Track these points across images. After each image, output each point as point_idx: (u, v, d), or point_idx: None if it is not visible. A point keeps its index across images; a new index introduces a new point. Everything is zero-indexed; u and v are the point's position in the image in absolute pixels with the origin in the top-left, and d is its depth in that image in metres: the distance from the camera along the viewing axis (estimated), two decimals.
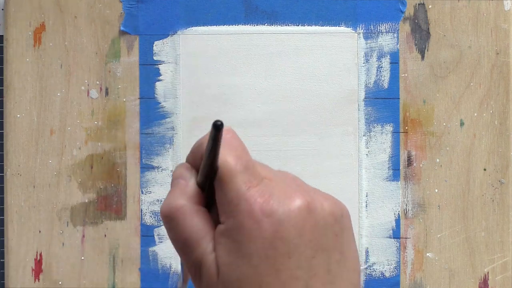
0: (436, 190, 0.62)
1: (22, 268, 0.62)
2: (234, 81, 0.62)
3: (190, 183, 0.38)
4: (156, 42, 0.63)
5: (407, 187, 0.62)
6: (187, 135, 0.63)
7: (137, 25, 0.63)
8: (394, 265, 0.62)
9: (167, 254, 0.62)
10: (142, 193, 0.63)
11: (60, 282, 0.62)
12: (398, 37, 0.62)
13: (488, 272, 0.62)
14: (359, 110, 0.62)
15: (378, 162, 0.62)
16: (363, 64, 0.62)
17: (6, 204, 0.62)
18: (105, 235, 0.62)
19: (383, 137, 0.62)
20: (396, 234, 0.62)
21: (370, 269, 0.62)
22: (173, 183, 0.39)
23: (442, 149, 0.62)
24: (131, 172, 0.62)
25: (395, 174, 0.62)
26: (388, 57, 0.62)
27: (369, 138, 0.62)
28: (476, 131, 0.62)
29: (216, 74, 0.62)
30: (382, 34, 0.62)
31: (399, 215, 0.62)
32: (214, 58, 0.63)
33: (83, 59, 0.63)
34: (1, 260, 0.64)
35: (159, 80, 0.63)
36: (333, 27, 0.62)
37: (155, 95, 0.63)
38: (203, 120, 0.62)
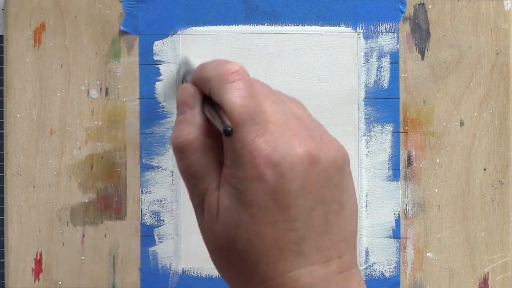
0: (436, 190, 0.62)
1: (22, 268, 0.62)
2: None
3: (196, 113, 0.38)
4: (156, 42, 0.63)
5: (407, 187, 0.62)
6: None
7: (137, 25, 0.63)
8: (394, 265, 0.62)
9: (167, 254, 0.62)
10: (142, 193, 0.63)
11: (60, 282, 0.62)
12: (398, 37, 0.62)
13: (488, 272, 0.62)
14: (359, 110, 0.62)
15: (378, 162, 0.62)
16: (363, 64, 0.62)
17: (6, 204, 0.62)
18: (105, 235, 0.62)
19: (383, 137, 0.62)
20: (396, 234, 0.62)
21: (370, 269, 0.62)
22: (179, 110, 0.39)
23: (442, 149, 0.62)
24: (131, 172, 0.62)
25: (395, 174, 0.62)
26: (388, 57, 0.62)
27: (369, 138, 0.62)
28: (476, 131, 0.62)
29: None
30: (382, 34, 0.62)
31: (399, 215, 0.62)
32: (214, 58, 0.62)
33: (83, 59, 0.63)
34: (1, 260, 0.64)
35: (159, 80, 0.63)
36: (333, 27, 0.62)
37: (155, 95, 0.63)
38: None
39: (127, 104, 0.63)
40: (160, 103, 0.63)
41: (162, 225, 0.62)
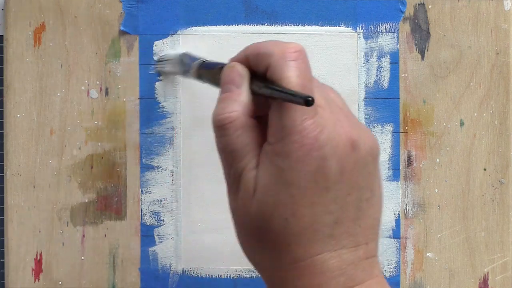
0: (436, 190, 0.62)
1: (22, 268, 0.62)
2: None
3: (243, 91, 0.38)
4: (156, 42, 0.63)
5: (407, 187, 0.62)
6: (187, 135, 0.63)
7: (137, 25, 0.63)
8: (394, 265, 0.62)
9: (167, 254, 0.62)
10: (142, 193, 0.63)
11: (60, 282, 0.62)
12: (398, 37, 0.62)
13: (488, 272, 0.62)
14: (359, 110, 0.62)
15: None
16: (363, 64, 0.62)
17: (6, 204, 0.62)
18: (105, 235, 0.62)
19: (383, 137, 0.62)
20: (396, 234, 0.62)
21: None
22: (224, 88, 0.39)
23: (442, 149, 0.62)
24: (131, 172, 0.62)
25: (395, 174, 0.62)
26: (388, 57, 0.62)
27: None
28: (476, 131, 0.62)
29: None
30: (382, 34, 0.62)
31: (399, 215, 0.62)
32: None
33: (83, 59, 0.63)
34: (1, 260, 0.64)
35: (159, 80, 0.63)
36: (333, 27, 0.62)
37: (155, 95, 0.63)
38: (203, 120, 0.62)
39: (127, 104, 0.63)
40: (160, 103, 0.63)
41: (162, 225, 0.62)
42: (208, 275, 0.62)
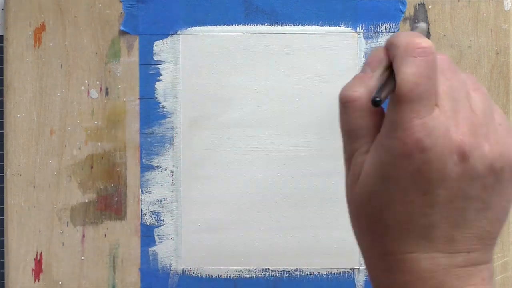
0: None
1: (22, 268, 0.62)
2: (234, 81, 0.62)
3: (374, 76, 0.38)
4: (156, 42, 0.63)
5: None
6: (187, 135, 0.63)
7: (137, 25, 0.63)
8: None
9: (167, 254, 0.62)
10: (142, 193, 0.63)
11: (60, 282, 0.62)
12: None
13: None
14: None
15: None
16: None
17: (6, 204, 0.62)
18: (105, 235, 0.62)
19: None
20: None
21: None
22: (362, 68, 0.39)
23: None
24: (131, 172, 0.62)
25: None
26: None
27: None
28: None
29: (216, 74, 0.62)
30: (382, 34, 0.62)
31: None
32: (214, 58, 0.63)
33: (83, 59, 0.63)
34: (1, 260, 0.64)
35: (159, 80, 0.63)
36: (333, 27, 0.62)
37: (155, 95, 0.63)
38: (203, 120, 0.62)
39: (127, 104, 0.63)
40: (160, 103, 0.63)
41: (162, 225, 0.62)
42: (208, 275, 0.62)
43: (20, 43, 0.62)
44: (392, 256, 0.36)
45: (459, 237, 0.36)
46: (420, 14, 0.62)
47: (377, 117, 0.37)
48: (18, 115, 0.62)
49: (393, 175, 0.35)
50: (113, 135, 0.63)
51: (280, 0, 0.62)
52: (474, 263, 0.36)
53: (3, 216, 0.63)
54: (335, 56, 0.62)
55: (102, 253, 0.62)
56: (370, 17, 0.62)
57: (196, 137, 0.63)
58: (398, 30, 0.62)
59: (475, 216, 0.36)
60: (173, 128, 0.62)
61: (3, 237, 0.63)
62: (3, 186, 0.63)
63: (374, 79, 0.38)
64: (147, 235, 0.62)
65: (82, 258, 0.62)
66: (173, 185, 0.62)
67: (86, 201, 0.62)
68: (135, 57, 0.62)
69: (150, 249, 0.62)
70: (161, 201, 0.62)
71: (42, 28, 0.62)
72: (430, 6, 0.62)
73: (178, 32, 0.63)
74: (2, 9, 0.63)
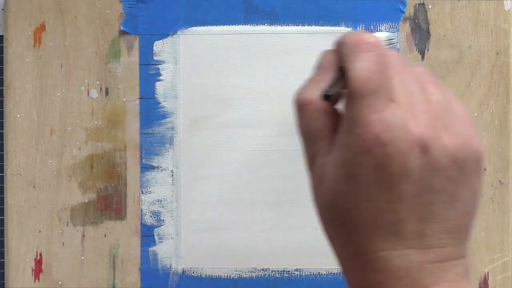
0: None
1: (22, 268, 0.62)
2: (234, 81, 0.62)
3: (328, 77, 0.38)
4: (156, 42, 0.63)
5: None
6: (187, 135, 0.63)
7: (137, 25, 0.63)
8: None
9: (167, 254, 0.62)
10: (142, 193, 0.63)
11: (60, 282, 0.62)
12: (398, 37, 0.62)
13: (488, 272, 0.62)
14: None
15: None
16: None
17: (6, 204, 0.62)
18: (105, 235, 0.62)
19: None
20: None
21: None
22: (314, 71, 0.39)
23: None
24: (131, 172, 0.62)
25: None
26: None
27: None
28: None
29: (216, 74, 0.62)
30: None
31: None
32: (214, 58, 0.63)
33: (83, 59, 0.63)
34: (1, 260, 0.64)
35: (159, 80, 0.63)
36: (333, 27, 0.62)
37: (155, 95, 0.63)
38: (203, 120, 0.62)
39: (127, 104, 0.63)
40: (160, 103, 0.63)
41: (162, 225, 0.62)
42: (208, 275, 0.62)
43: (20, 43, 0.62)
44: (364, 255, 0.36)
45: (429, 232, 0.35)
46: (420, 14, 0.62)
47: (335, 118, 0.37)
48: (18, 115, 0.62)
49: (356, 173, 0.35)
50: (113, 135, 0.63)
51: (280, 0, 0.62)
52: (447, 258, 0.36)
53: (3, 216, 0.63)
54: None
55: (102, 253, 0.62)
56: (370, 17, 0.62)
57: (196, 137, 0.63)
58: (398, 30, 0.62)
59: (443, 209, 0.36)
60: (173, 128, 0.62)
61: (3, 237, 0.63)
62: (3, 186, 0.63)
63: (327, 80, 0.37)
64: (147, 235, 0.62)
65: (82, 258, 0.62)
66: (173, 185, 0.62)
67: (86, 201, 0.62)
68: (135, 57, 0.63)
69: (150, 249, 0.62)
70: (161, 201, 0.62)
71: (42, 28, 0.62)
72: (430, 6, 0.62)
73: (178, 32, 0.63)
74: (2, 9, 0.63)
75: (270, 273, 0.62)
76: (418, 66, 0.39)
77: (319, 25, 0.62)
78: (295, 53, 0.62)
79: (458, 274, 0.36)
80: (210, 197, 0.62)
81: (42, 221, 0.62)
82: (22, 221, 0.62)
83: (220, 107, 0.62)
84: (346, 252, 0.37)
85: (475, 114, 0.62)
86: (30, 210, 0.62)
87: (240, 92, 0.62)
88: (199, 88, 0.63)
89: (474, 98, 0.62)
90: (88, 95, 0.63)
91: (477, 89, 0.62)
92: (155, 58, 0.63)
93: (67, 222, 0.62)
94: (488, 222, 0.62)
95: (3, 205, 0.63)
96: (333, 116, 0.37)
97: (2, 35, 0.63)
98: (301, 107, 0.37)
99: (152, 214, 0.62)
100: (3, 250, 0.63)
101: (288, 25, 0.62)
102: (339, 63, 0.37)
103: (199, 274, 0.62)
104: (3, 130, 0.63)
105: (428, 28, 0.62)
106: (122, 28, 0.62)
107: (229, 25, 0.63)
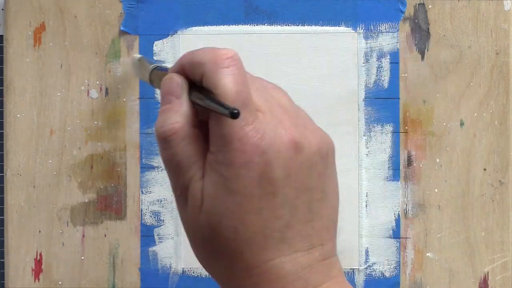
0: (436, 190, 0.62)
1: (22, 268, 0.62)
2: None
3: (183, 101, 0.37)
4: (156, 42, 0.63)
5: (407, 187, 0.62)
6: None
7: (137, 25, 0.63)
8: (394, 265, 0.62)
9: (167, 254, 0.62)
10: (142, 193, 0.63)
11: (60, 282, 0.62)
12: (398, 37, 0.62)
13: (488, 272, 0.62)
14: (359, 110, 0.62)
15: (378, 162, 0.62)
16: (363, 64, 0.62)
17: (6, 204, 0.62)
18: (105, 235, 0.62)
19: (383, 137, 0.62)
20: (396, 234, 0.62)
21: (370, 269, 0.62)
22: (164, 100, 0.38)
23: (442, 149, 0.62)
24: (131, 172, 0.62)
25: (395, 174, 0.62)
26: (388, 57, 0.62)
27: (369, 138, 0.62)
28: (476, 131, 0.62)
29: None
30: (382, 34, 0.62)
31: (399, 215, 0.62)
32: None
33: (83, 59, 0.63)
34: (1, 260, 0.64)
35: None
36: (333, 27, 0.62)
37: (155, 95, 0.63)
38: None
39: (127, 104, 0.63)
40: (160, 103, 0.63)
41: (162, 225, 0.62)
42: (208, 275, 0.62)
43: (20, 43, 0.62)
44: (256, 269, 0.36)
45: (311, 232, 0.36)
46: (420, 14, 0.62)
47: (200, 141, 0.37)
48: (18, 115, 0.62)
49: (239, 187, 0.35)
50: (113, 135, 0.63)
51: (280, 0, 0.62)
52: (329, 255, 0.37)
53: (3, 216, 0.63)
54: (335, 56, 0.62)
55: (102, 253, 0.62)
56: (370, 17, 0.62)
57: None
58: (398, 30, 0.62)
59: (319, 207, 0.36)
60: None
61: (3, 237, 0.63)
62: (3, 186, 0.63)
63: (184, 104, 0.37)
64: (147, 235, 0.62)
65: (82, 258, 0.62)
66: None
67: (86, 201, 0.63)
68: None
69: (150, 249, 0.62)
70: (161, 201, 0.62)
71: (42, 28, 0.62)
72: (430, 6, 0.62)
73: (178, 32, 0.63)
74: (2, 9, 0.63)
75: None
76: (256, 76, 0.40)
77: (319, 25, 0.62)
78: (295, 53, 0.62)
79: (339, 270, 0.37)
80: None
81: (42, 221, 0.62)
82: (22, 221, 0.62)
83: None
84: (237, 272, 0.36)
85: (475, 114, 0.62)
86: (30, 210, 0.62)
87: None
88: None
89: (474, 98, 0.62)
90: (88, 95, 0.63)
91: (477, 89, 0.62)
92: (155, 58, 0.63)
93: (67, 222, 0.62)
94: (488, 222, 0.62)
95: (3, 205, 0.63)
96: (199, 139, 0.37)
97: (2, 35, 0.63)
98: (167, 138, 0.37)
99: (152, 214, 0.62)
100: (3, 250, 0.63)
101: (288, 25, 0.62)
102: (189, 83, 0.37)
103: (199, 274, 0.62)
104: (3, 130, 0.63)
105: (428, 28, 0.62)
106: (122, 28, 0.62)
107: (229, 25, 0.63)
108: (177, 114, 0.37)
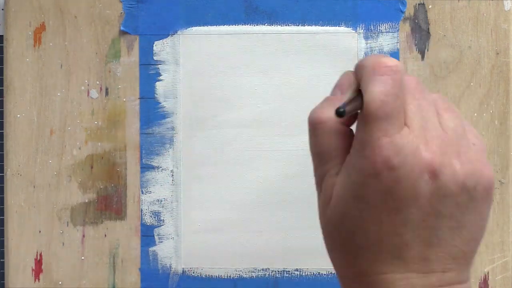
0: None
1: (22, 268, 0.62)
2: (234, 81, 0.62)
3: (344, 98, 0.38)
4: (156, 42, 0.63)
5: None
6: (187, 135, 0.63)
7: (137, 25, 0.63)
8: None
9: (167, 254, 0.62)
10: (142, 193, 0.63)
11: (60, 282, 0.62)
12: (398, 37, 0.62)
13: (488, 272, 0.62)
14: None
15: None
16: None
17: (6, 204, 0.62)
18: (105, 235, 0.62)
19: None
20: None
21: None
22: (332, 91, 0.40)
23: None
24: (131, 172, 0.62)
25: None
26: None
27: None
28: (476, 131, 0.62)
29: (216, 74, 0.62)
30: (382, 34, 0.62)
31: None
32: (214, 58, 0.63)
33: (83, 59, 0.63)
34: (1, 260, 0.64)
35: (159, 80, 0.63)
36: (333, 27, 0.62)
37: (155, 95, 0.63)
38: (203, 120, 0.62)
39: (127, 104, 0.63)
40: (160, 103, 0.63)
41: (162, 225, 0.62)
42: (208, 275, 0.62)
43: (20, 43, 0.62)
44: (366, 277, 0.36)
45: (433, 257, 0.36)
46: (420, 14, 0.62)
47: (347, 139, 0.37)
48: (18, 115, 0.62)
49: (364, 195, 0.35)
50: (113, 135, 0.63)
51: (280, 0, 0.62)
52: (449, 283, 0.36)
53: (3, 216, 0.63)
54: (335, 56, 0.62)
55: (102, 253, 0.62)
56: (370, 17, 0.62)
57: (196, 137, 0.63)
58: (398, 30, 0.62)
59: (449, 235, 0.36)
60: (173, 128, 0.62)
61: (3, 237, 0.63)
62: (3, 186, 0.63)
63: (343, 101, 0.38)
64: (147, 235, 0.62)
65: (82, 258, 0.62)
66: (173, 185, 0.62)
67: (86, 201, 0.62)
68: (135, 57, 0.63)
69: (150, 249, 0.62)
70: (161, 201, 0.62)
71: (42, 28, 0.62)
72: (430, 6, 0.62)
73: (178, 32, 0.63)
74: (2, 9, 0.63)
75: (270, 273, 0.62)
76: (435, 92, 0.39)
77: (319, 25, 0.62)
78: (295, 53, 0.62)
79: None
80: (210, 197, 0.62)
81: (42, 221, 0.62)
82: (22, 221, 0.62)
83: (220, 107, 0.62)
84: (349, 273, 0.37)
85: (475, 114, 0.62)
86: (30, 210, 0.62)
87: (240, 92, 0.62)
88: (199, 88, 0.63)
89: (474, 98, 0.62)
90: (88, 95, 0.63)
91: (477, 89, 0.62)
92: (155, 58, 0.63)
93: (67, 222, 0.62)
94: (488, 222, 0.62)
95: (3, 205, 0.63)
96: (346, 137, 0.37)
97: (2, 35, 0.63)
98: (315, 126, 0.37)
99: (152, 214, 0.62)
100: (3, 250, 0.63)
101: (288, 25, 0.62)
102: (357, 84, 0.38)
103: (199, 274, 0.62)
104: (3, 130, 0.63)
105: (428, 28, 0.62)
106: (122, 28, 0.62)
107: (229, 25, 0.63)
108: (332, 107, 0.37)
